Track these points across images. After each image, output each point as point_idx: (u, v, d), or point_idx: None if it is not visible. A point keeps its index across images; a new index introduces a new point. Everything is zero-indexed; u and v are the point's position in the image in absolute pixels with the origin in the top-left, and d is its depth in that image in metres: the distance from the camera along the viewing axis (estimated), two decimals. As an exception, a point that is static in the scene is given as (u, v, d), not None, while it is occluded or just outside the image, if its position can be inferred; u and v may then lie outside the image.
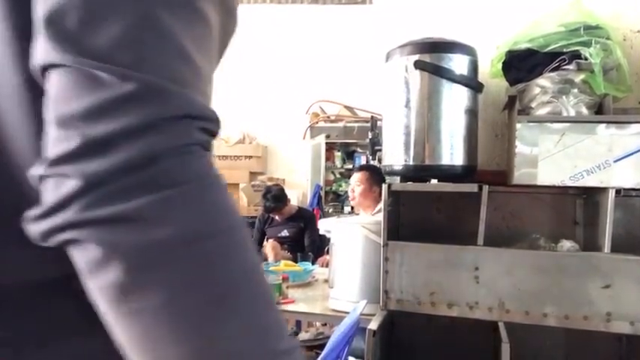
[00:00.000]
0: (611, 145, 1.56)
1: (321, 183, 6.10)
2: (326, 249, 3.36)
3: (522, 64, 1.65)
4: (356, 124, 5.76)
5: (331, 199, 6.38)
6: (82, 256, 0.36)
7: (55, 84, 0.37)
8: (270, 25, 6.33)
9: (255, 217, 4.35)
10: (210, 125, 0.39)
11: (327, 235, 2.36)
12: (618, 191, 1.58)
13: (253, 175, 6.46)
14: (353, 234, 2.08)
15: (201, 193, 0.37)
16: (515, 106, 1.71)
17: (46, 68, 0.38)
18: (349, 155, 6.42)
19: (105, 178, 0.35)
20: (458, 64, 1.67)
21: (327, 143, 6.09)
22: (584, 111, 1.62)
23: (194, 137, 0.37)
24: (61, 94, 0.37)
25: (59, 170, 0.36)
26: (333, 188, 6.41)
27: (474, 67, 1.72)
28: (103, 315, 0.38)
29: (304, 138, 6.15)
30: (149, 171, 0.35)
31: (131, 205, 0.34)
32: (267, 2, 6.45)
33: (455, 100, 1.67)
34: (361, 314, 1.81)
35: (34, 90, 0.40)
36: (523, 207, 1.93)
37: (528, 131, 1.62)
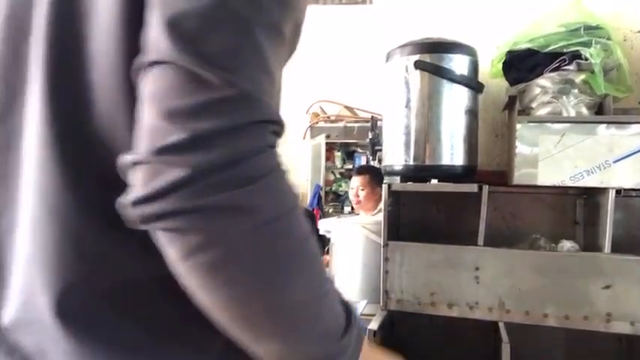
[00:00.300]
0: (611, 146, 1.56)
1: (321, 183, 6.10)
2: (326, 249, 3.36)
3: (523, 65, 1.65)
4: (356, 124, 5.75)
5: (331, 199, 6.38)
6: (180, 241, 0.42)
7: (163, 80, 0.42)
8: (270, 25, 6.32)
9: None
10: (279, 129, 0.46)
11: (327, 235, 2.36)
12: (618, 191, 1.58)
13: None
14: (353, 234, 2.08)
15: (274, 184, 0.45)
16: (515, 107, 1.71)
17: (153, 64, 0.42)
18: (349, 155, 6.42)
19: (208, 170, 0.40)
20: (458, 64, 1.67)
21: (327, 143, 6.08)
22: (585, 111, 1.62)
23: (268, 140, 0.44)
24: (169, 89, 0.42)
25: (163, 159, 0.41)
26: (333, 188, 6.41)
27: (474, 67, 1.72)
28: (185, 285, 0.44)
29: (304, 138, 6.14)
30: (240, 166, 0.42)
31: (227, 195, 0.41)
32: (268, 2, 6.43)
33: (455, 100, 1.67)
34: (361, 314, 1.81)
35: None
36: (523, 207, 1.93)
37: (528, 131, 1.62)
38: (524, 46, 1.65)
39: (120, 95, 0.47)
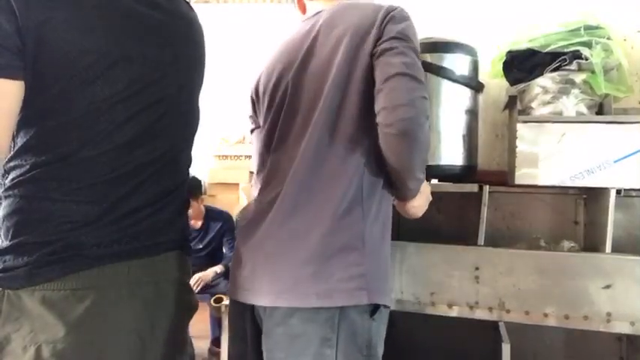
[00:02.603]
0: (611, 146, 1.56)
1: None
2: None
3: (523, 64, 1.65)
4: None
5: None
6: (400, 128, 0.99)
7: (397, 83, 0.99)
8: (270, 25, 6.32)
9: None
10: None
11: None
12: (619, 191, 1.58)
13: (253, 174, 6.44)
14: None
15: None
16: (515, 106, 1.71)
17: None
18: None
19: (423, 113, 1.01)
20: (458, 64, 1.67)
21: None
22: (585, 111, 1.62)
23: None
24: (404, 88, 0.99)
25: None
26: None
27: (474, 67, 1.72)
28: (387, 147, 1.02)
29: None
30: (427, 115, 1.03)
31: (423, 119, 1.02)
32: (267, 2, 6.45)
33: (455, 100, 1.67)
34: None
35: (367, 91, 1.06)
36: (523, 207, 1.93)
37: (529, 131, 1.62)
38: (524, 45, 1.65)
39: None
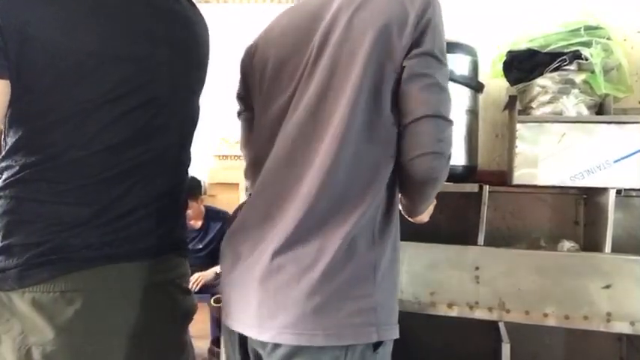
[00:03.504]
0: (611, 146, 1.56)
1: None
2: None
3: (523, 64, 1.65)
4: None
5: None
6: (430, 165, 0.92)
7: (426, 127, 0.92)
8: (270, 25, 6.32)
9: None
10: None
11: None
12: (619, 191, 1.58)
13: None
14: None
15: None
16: (515, 106, 1.71)
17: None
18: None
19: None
20: (458, 64, 1.67)
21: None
22: (585, 111, 1.62)
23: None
24: (432, 133, 0.94)
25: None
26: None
27: (474, 67, 1.72)
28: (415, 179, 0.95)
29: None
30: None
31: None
32: (268, 2, 6.44)
33: (455, 100, 1.64)
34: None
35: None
36: (523, 207, 1.93)
37: (529, 131, 1.62)
38: (524, 46, 1.65)
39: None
